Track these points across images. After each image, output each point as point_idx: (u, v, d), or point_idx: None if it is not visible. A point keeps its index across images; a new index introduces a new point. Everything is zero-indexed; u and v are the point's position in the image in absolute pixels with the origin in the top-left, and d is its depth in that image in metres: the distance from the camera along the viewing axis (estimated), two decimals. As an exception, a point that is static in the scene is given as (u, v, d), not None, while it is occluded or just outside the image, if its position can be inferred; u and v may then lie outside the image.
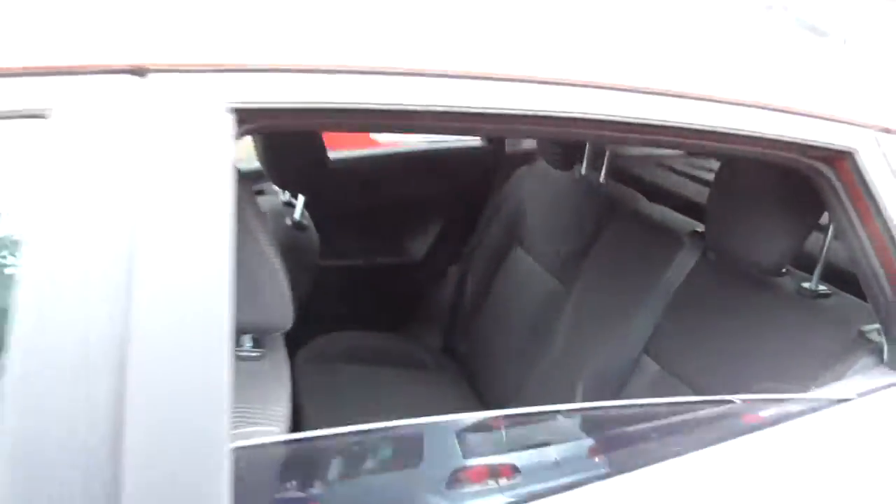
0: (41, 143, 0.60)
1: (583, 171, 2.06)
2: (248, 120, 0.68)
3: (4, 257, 0.68)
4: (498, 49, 0.76)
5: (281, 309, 0.98)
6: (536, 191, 2.21)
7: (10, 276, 0.60)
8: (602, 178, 2.01)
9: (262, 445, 0.77)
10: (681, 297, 1.53)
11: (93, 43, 0.64)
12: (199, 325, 0.62)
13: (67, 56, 0.63)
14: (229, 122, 0.66)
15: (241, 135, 0.68)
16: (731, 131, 0.83)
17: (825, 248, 1.27)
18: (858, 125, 0.88)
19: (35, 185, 0.60)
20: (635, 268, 1.69)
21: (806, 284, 1.31)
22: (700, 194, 1.86)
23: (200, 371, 0.62)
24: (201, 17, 0.69)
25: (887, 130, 0.90)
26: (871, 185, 0.90)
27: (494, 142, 2.52)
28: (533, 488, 0.77)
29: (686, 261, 1.55)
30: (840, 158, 0.90)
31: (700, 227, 1.57)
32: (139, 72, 0.63)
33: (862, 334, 1.11)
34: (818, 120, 0.85)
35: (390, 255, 2.54)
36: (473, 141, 2.57)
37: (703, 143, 0.87)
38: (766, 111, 0.84)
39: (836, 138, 0.87)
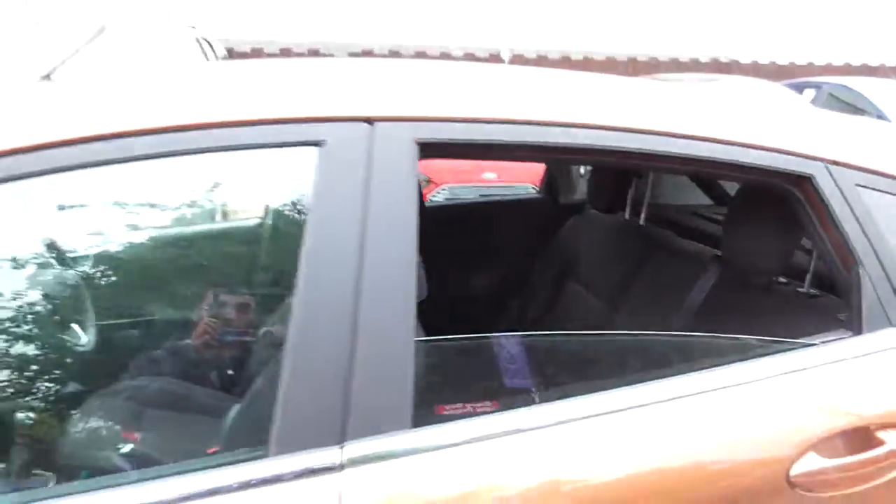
0: (318, 161, 1.08)
1: (626, 216, 2.50)
2: (426, 150, 1.15)
3: (284, 235, 1.15)
4: (598, 108, 1.25)
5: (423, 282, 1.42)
6: (587, 234, 2.66)
7: (296, 250, 1.07)
8: (642, 221, 2.45)
9: (438, 341, 1.21)
10: (706, 306, 1.93)
11: (345, 103, 1.14)
12: (399, 281, 1.08)
13: (335, 109, 1.13)
14: (415, 151, 1.13)
15: (421, 158, 1.15)
16: (726, 161, 1.28)
17: (813, 262, 1.68)
18: (812, 157, 1.31)
19: (313, 183, 1.08)
20: (670, 290, 2.11)
21: (800, 289, 1.72)
22: (720, 231, 2.29)
23: (398, 304, 1.09)
24: (401, 84, 1.19)
25: (835, 162, 1.33)
26: (826, 201, 1.32)
27: (551, 194, 2.99)
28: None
29: (709, 279, 1.97)
30: (803, 181, 1.33)
31: (719, 252, 1.99)
32: (369, 121, 1.12)
33: (838, 318, 1.51)
34: (781, 154, 1.29)
35: (458, 290, 2.97)
36: (533, 194, 3.03)
37: (707, 169, 1.32)
38: (747, 148, 1.28)
39: (798, 166, 1.31)
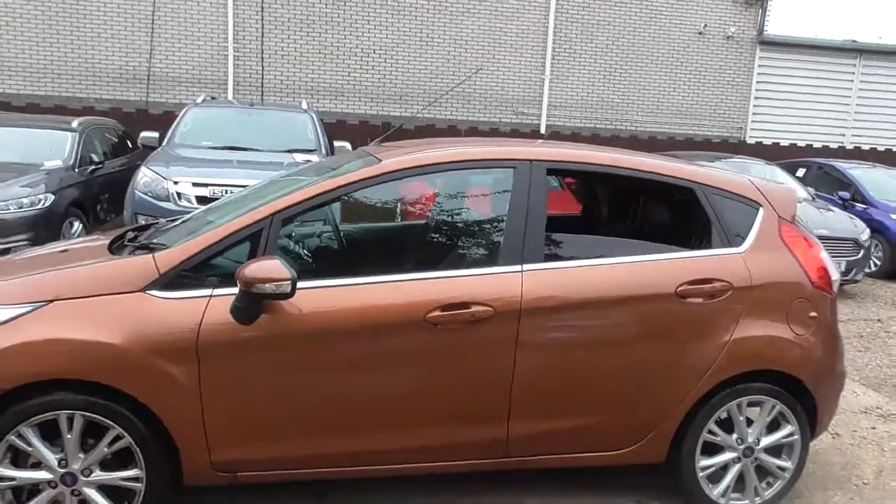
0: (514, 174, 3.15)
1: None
2: (550, 172, 3.18)
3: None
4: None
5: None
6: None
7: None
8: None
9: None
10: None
11: (524, 154, 3.22)
12: (539, 215, 3.13)
13: (519, 156, 3.19)
14: (545, 171, 3.17)
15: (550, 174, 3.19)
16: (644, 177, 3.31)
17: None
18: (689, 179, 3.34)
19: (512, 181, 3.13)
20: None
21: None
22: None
23: (538, 231, 3.13)
24: (540, 149, 3.28)
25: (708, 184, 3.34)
26: (706, 207, 3.33)
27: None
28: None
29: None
30: (688, 191, 3.34)
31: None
32: (530, 160, 3.18)
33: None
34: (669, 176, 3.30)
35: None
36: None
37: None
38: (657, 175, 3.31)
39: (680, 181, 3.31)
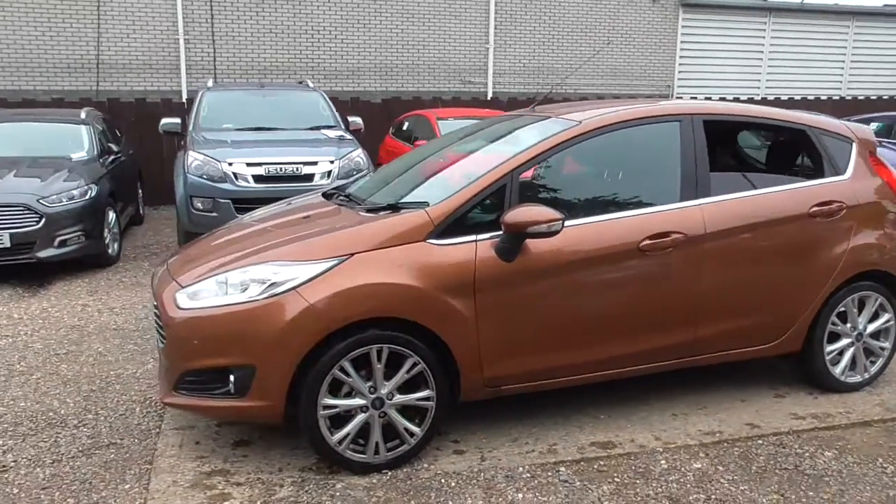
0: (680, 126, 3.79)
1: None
2: (707, 122, 3.85)
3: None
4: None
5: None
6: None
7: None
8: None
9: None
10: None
11: (686, 109, 3.87)
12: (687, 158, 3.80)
13: (684, 111, 3.85)
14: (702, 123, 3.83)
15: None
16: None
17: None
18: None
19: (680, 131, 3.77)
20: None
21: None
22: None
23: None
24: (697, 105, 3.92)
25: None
26: (816, 145, 4.12)
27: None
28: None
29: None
30: (802, 132, 4.13)
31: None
32: (690, 115, 3.83)
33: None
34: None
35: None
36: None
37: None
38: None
39: (795, 125, 4.08)
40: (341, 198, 4.00)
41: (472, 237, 3.26)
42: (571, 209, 3.47)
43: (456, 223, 3.26)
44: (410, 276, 3.12)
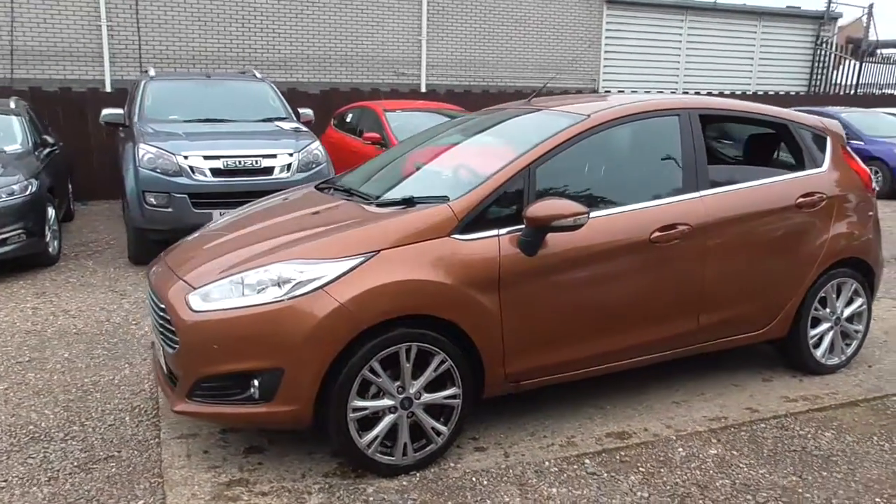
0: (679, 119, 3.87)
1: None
2: (702, 117, 3.94)
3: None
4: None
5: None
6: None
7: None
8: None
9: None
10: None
11: (683, 105, 3.95)
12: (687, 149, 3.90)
13: (682, 105, 3.93)
14: (699, 117, 3.93)
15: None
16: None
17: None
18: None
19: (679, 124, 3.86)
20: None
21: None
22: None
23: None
24: (695, 100, 4.01)
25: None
26: (796, 138, 4.29)
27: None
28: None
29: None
30: (783, 126, 4.30)
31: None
32: (686, 110, 3.92)
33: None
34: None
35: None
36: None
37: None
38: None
39: (777, 119, 4.25)
40: (340, 192, 3.89)
41: (495, 231, 3.23)
42: (584, 202, 3.48)
43: (478, 218, 3.22)
44: (438, 273, 3.07)
